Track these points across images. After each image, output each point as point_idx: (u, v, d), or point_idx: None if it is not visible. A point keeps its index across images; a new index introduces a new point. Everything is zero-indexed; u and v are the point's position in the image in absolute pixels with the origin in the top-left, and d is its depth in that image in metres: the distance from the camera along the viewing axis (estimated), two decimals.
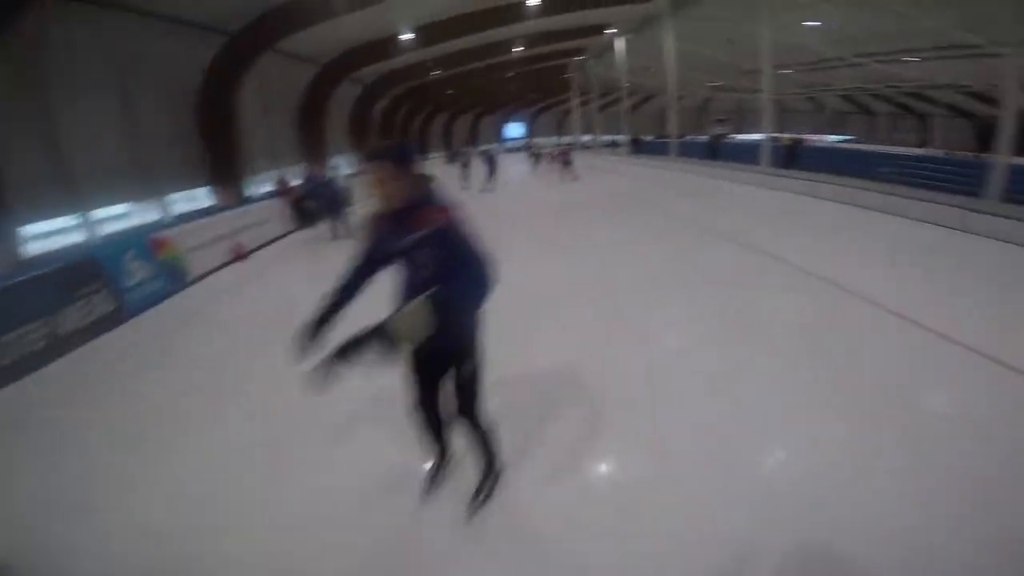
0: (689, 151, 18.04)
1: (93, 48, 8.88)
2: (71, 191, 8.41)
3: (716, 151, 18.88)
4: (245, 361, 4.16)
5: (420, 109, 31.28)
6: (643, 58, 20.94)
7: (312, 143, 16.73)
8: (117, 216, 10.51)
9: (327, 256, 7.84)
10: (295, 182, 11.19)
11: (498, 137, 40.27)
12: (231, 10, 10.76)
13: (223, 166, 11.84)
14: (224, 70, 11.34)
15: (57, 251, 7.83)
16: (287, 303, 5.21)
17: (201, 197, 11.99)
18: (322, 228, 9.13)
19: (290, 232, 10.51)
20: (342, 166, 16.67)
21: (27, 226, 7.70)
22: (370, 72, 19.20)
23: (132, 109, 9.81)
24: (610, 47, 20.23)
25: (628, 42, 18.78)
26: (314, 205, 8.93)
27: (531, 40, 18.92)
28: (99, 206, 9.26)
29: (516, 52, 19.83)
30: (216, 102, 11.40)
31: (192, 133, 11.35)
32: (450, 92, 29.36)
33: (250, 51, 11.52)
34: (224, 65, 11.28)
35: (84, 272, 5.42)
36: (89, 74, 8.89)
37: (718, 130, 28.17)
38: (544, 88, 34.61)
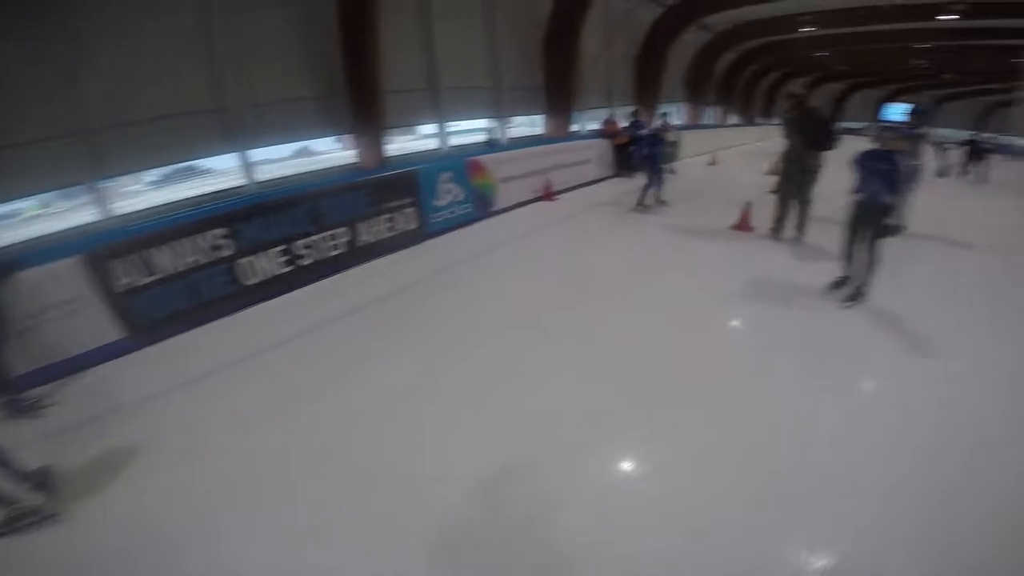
0: None
1: None
2: (435, 102, 9.36)
3: None
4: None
5: (774, 69, 25.79)
6: None
7: (645, 88, 15.35)
8: (473, 130, 11.59)
9: (632, 226, 6.50)
10: (623, 124, 10.10)
11: (874, 117, 30.71)
12: None
13: (558, 97, 11.73)
14: (572, 1, 10.75)
15: (404, 155, 8.85)
16: (569, 264, 4.99)
17: (536, 124, 12.27)
18: (639, 181, 7.60)
19: (608, 177, 9.63)
20: (672, 117, 14.81)
21: (394, 130, 8.74)
22: (722, 19, 16.09)
23: (493, 34, 10.30)
24: None
25: None
26: (637, 154, 7.60)
27: (975, 7, 12.64)
28: (455, 119, 10.22)
29: (943, 20, 13.44)
30: (562, 33, 11.10)
31: (537, 61, 11.44)
32: (823, 54, 22.94)
33: None
34: None
35: (399, 187, 5.51)
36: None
37: None
38: (969, 70, 23.89)
